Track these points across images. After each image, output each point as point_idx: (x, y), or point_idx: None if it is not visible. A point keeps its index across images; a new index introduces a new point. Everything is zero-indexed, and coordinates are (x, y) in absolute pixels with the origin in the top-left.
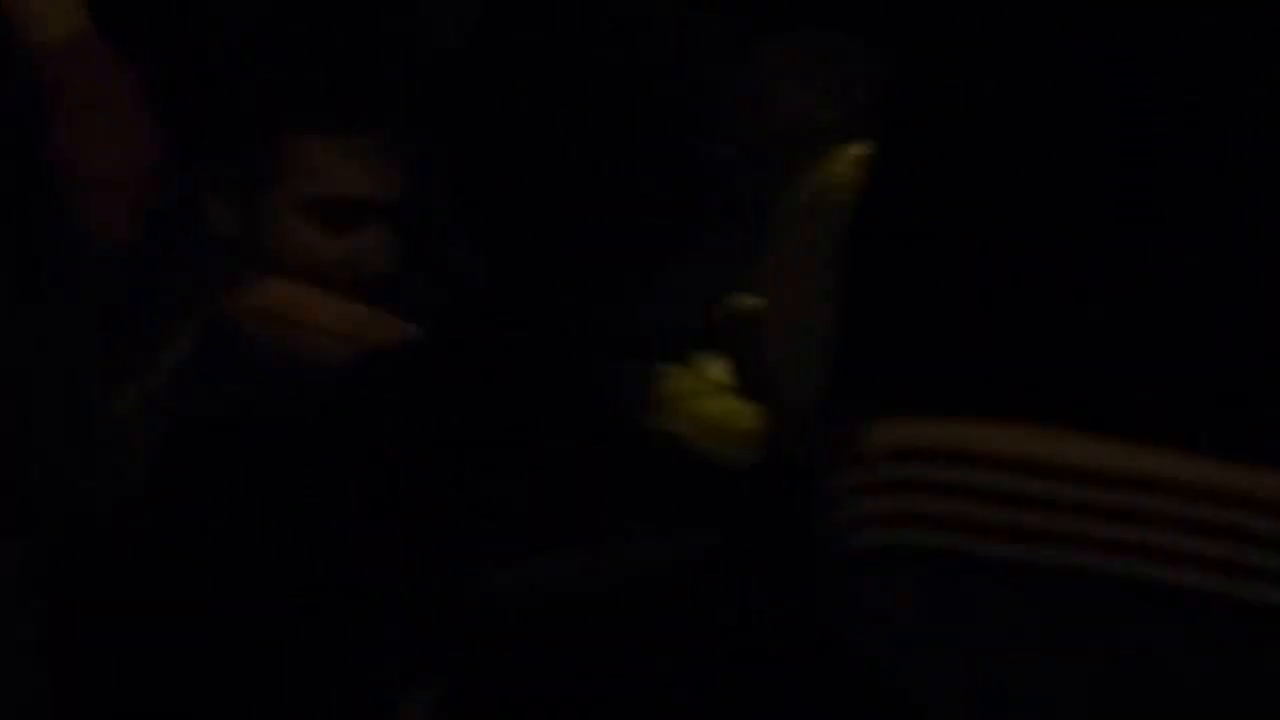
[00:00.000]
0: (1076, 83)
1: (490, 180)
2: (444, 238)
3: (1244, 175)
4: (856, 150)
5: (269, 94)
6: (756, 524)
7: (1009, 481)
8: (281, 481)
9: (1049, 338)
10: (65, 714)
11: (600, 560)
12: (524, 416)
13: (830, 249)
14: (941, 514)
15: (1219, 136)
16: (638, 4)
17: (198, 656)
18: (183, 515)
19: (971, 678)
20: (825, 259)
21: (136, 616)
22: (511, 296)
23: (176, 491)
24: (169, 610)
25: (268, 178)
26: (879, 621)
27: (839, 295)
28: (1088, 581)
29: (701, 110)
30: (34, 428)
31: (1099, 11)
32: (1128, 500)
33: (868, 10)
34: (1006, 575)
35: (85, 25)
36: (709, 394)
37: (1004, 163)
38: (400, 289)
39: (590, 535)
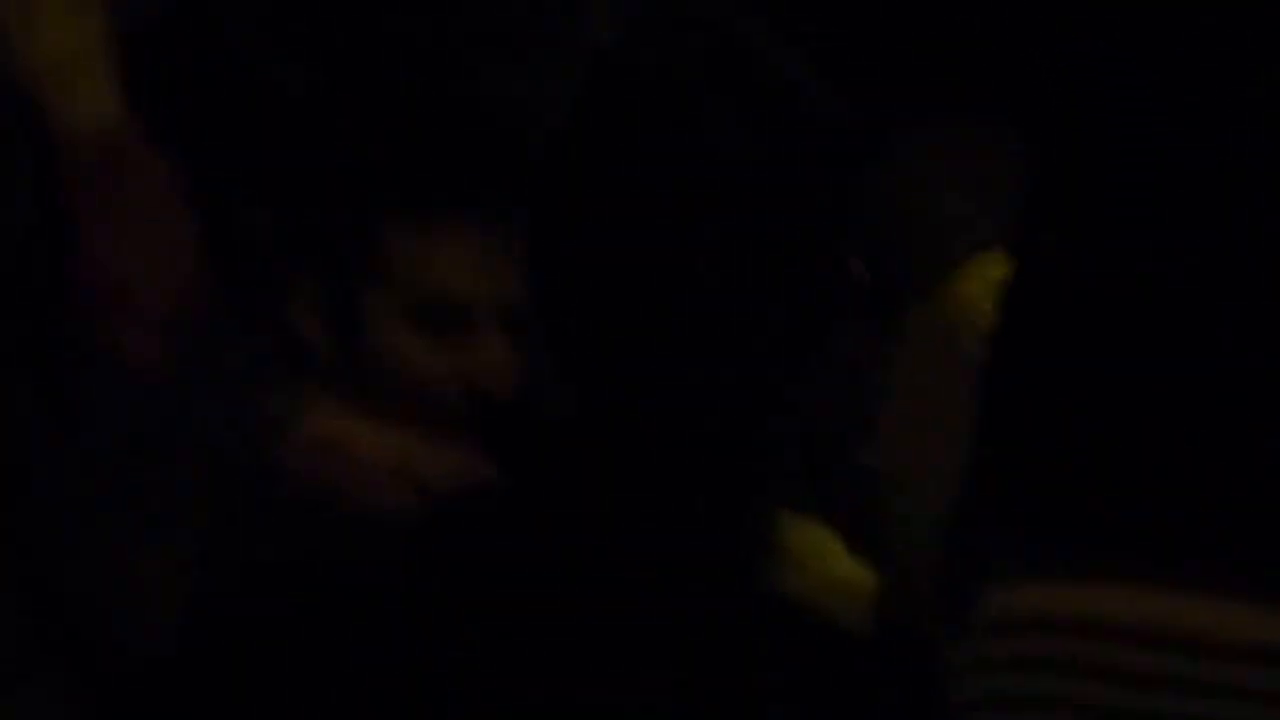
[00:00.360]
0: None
1: (586, 284)
2: (528, 354)
3: None
4: (993, 269)
5: (360, 177)
6: (872, 701)
7: (1146, 657)
8: (330, 648)
9: (1192, 495)
10: None
11: None
12: (621, 574)
13: (958, 385)
14: (1067, 696)
15: None
16: (762, 90)
17: None
18: (219, 677)
19: None
20: (951, 396)
21: None
22: (606, 427)
23: (212, 651)
24: None
25: (362, 278)
26: None
27: (968, 439)
28: None
29: (833, 217)
30: (66, 570)
31: None
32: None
33: (1014, 95)
34: None
35: (121, 111)
36: (833, 551)
37: (1159, 299)
38: (524, 411)
39: (695, 709)
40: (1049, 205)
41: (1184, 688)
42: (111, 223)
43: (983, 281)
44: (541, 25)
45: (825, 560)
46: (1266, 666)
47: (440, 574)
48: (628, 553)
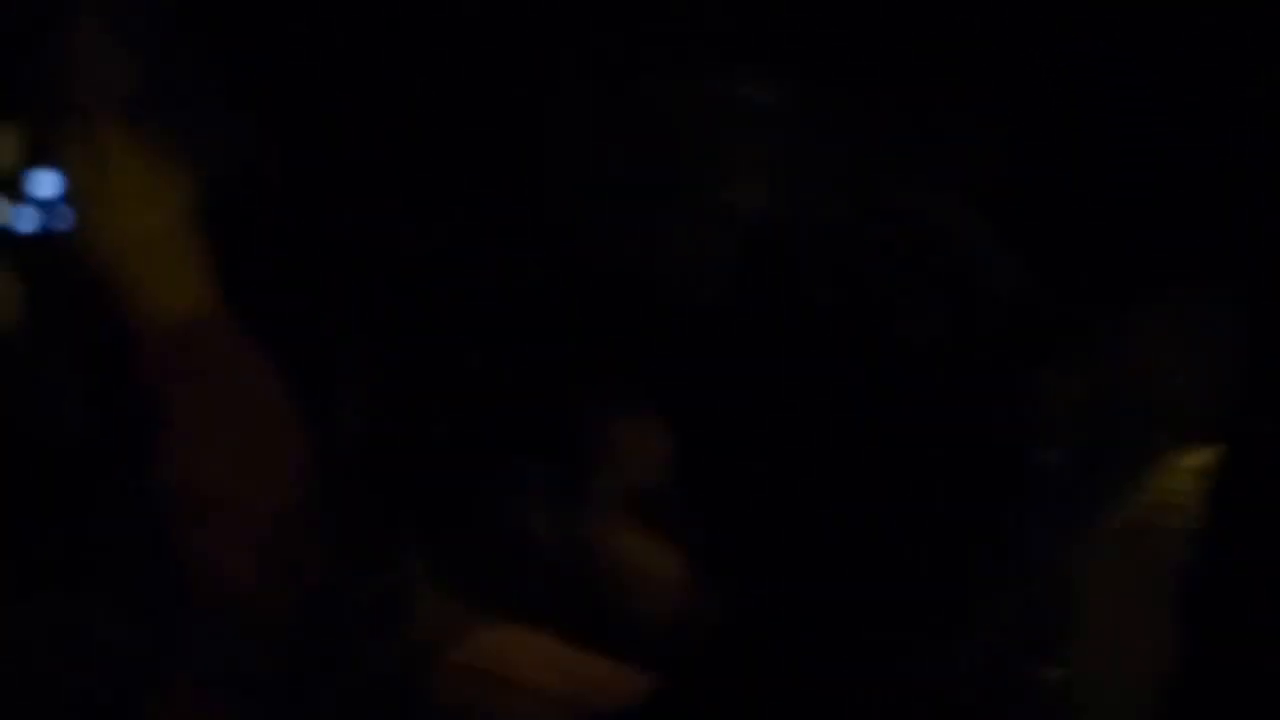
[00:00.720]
0: None
1: (740, 479)
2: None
3: None
4: (1197, 460)
5: (576, 364)
6: None
7: None
8: None
9: None
10: None
11: None
12: None
13: (1157, 590)
14: None
15: None
16: (939, 263)
17: None
18: None
19: None
20: (1150, 602)
21: None
22: (762, 641)
23: None
24: None
25: (583, 473)
26: None
27: (1168, 651)
28: None
29: (1023, 406)
30: None
31: None
32: None
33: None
34: None
35: (209, 297)
36: None
37: None
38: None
39: None
40: (1267, 392)
41: None
42: (199, 425)
43: (1186, 474)
44: (686, 194)
45: None
46: None
47: None
48: None
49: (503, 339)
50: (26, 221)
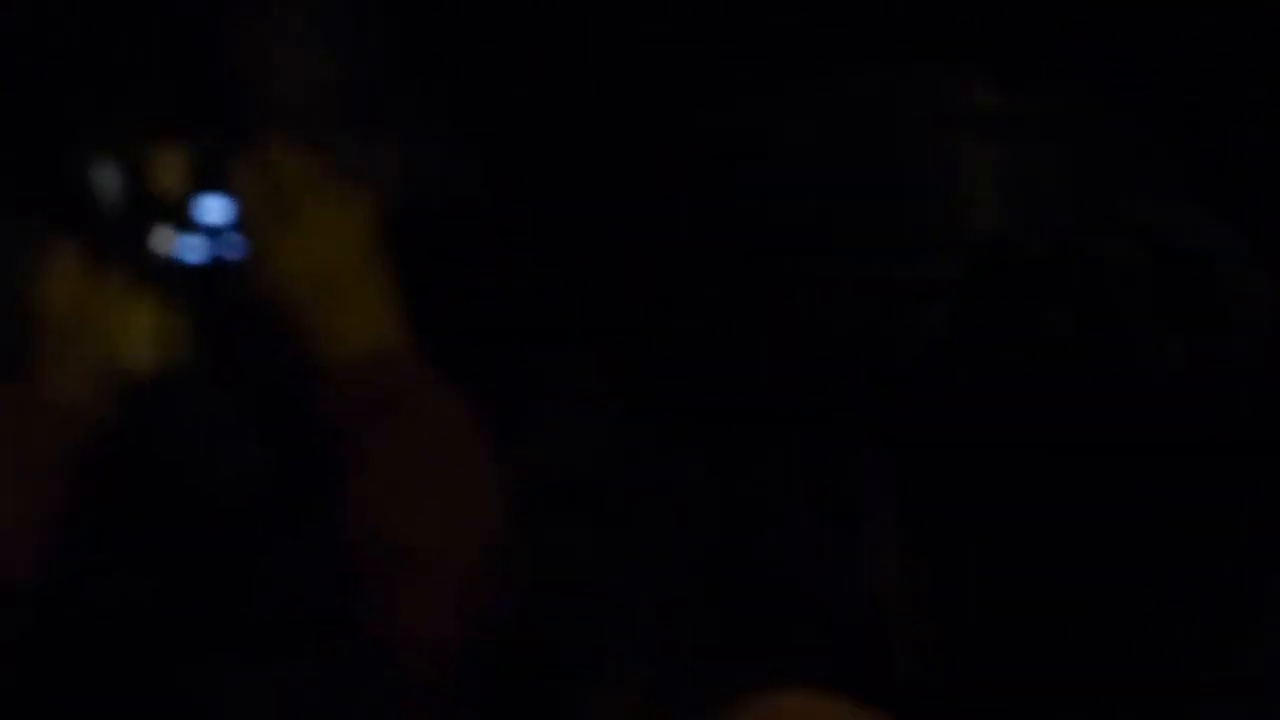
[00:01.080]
0: None
1: (963, 510)
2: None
3: None
4: None
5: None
6: None
7: None
8: None
9: None
10: None
11: None
12: None
13: None
14: None
15: None
16: (1193, 290)
17: None
18: None
19: None
20: None
21: None
22: (992, 683)
23: None
24: None
25: (843, 510)
26: None
27: None
28: None
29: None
30: None
31: None
32: None
33: None
34: None
35: (401, 332)
36: None
37: None
38: None
39: None
40: None
41: None
42: (390, 470)
43: None
44: (909, 208)
45: None
46: None
47: None
48: None
49: (752, 375)
50: (194, 251)
